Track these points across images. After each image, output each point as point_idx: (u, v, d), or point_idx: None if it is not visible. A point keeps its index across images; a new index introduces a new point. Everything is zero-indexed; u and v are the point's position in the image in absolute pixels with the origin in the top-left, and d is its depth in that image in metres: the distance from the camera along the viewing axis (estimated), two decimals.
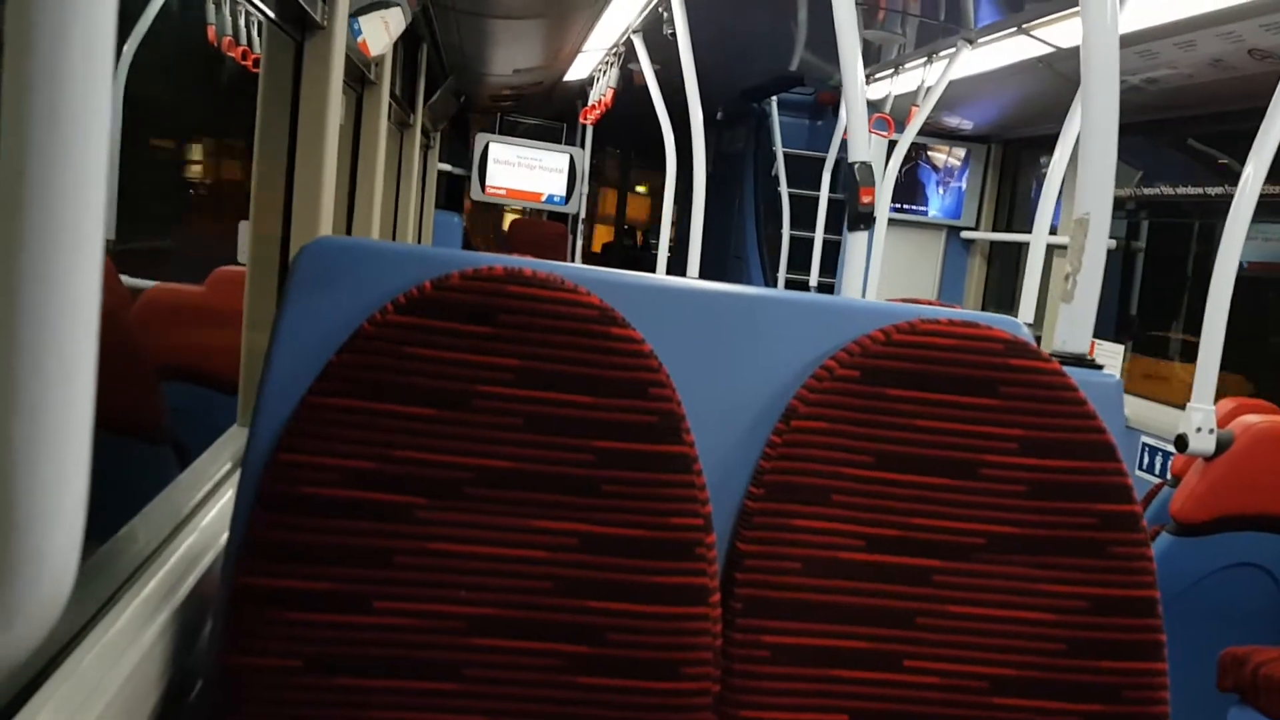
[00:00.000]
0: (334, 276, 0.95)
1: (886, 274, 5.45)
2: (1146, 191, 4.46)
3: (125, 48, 3.58)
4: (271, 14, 1.39)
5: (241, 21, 3.42)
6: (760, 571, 0.96)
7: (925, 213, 5.92)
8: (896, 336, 1.00)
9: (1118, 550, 0.99)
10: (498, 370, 0.92)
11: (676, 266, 4.70)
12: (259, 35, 3.26)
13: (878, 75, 5.20)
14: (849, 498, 0.98)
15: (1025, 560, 0.99)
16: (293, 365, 0.92)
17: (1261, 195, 2.32)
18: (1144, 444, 3.56)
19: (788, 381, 1.02)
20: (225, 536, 0.98)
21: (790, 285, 6.52)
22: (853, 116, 2.20)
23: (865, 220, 2.12)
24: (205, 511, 1.21)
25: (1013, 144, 5.80)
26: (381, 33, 2.24)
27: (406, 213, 4.30)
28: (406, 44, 3.57)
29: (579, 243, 8.08)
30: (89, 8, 0.40)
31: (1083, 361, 1.23)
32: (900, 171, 4.77)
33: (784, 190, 6.60)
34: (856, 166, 2.14)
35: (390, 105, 2.81)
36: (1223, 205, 2.40)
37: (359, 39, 2.15)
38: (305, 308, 0.94)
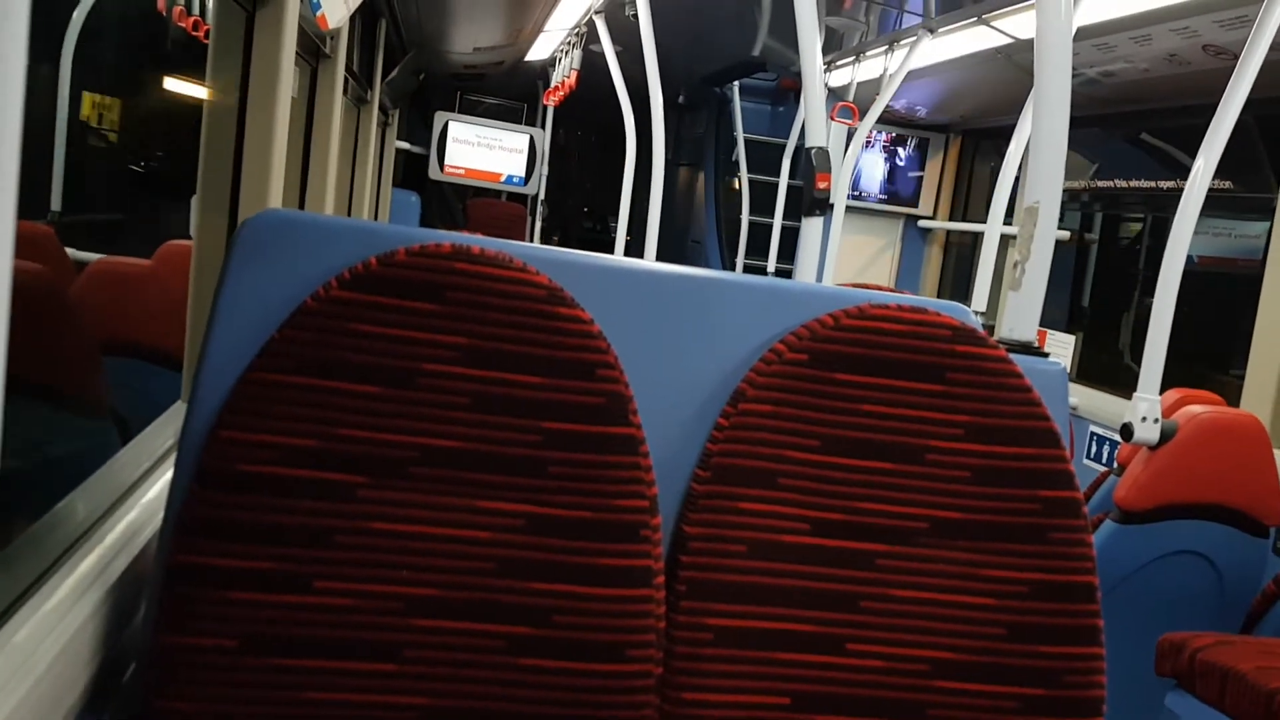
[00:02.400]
0: (278, 250, 0.93)
1: (845, 261, 5.49)
2: (1100, 184, 4.52)
3: (74, 15, 3.50)
4: None
5: None
6: (705, 554, 0.96)
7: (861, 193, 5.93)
8: (845, 321, 1.00)
9: (1058, 536, 1.01)
10: (444, 348, 0.91)
11: (635, 250, 4.70)
12: (211, 5, 3.19)
13: (839, 62, 5.21)
14: (795, 481, 0.98)
15: (968, 545, 1.00)
16: (233, 340, 0.90)
17: (1211, 190, 2.35)
18: (1092, 433, 3.62)
19: (737, 364, 1.02)
20: (162, 514, 0.96)
21: (748, 270, 6.54)
22: (810, 101, 2.21)
23: (821, 206, 2.13)
24: (145, 489, 1.19)
25: (971, 134, 5.85)
26: (339, 4, 2.20)
27: (363, 190, 4.24)
28: (364, 19, 3.51)
29: (538, 224, 8.03)
30: None
31: (1029, 349, 1.24)
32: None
33: (744, 176, 6.60)
34: (814, 152, 2.14)
35: (347, 80, 2.76)
36: (1174, 199, 2.43)
37: (318, 13, 2.11)
38: (247, 281, 0.92)
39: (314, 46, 2.17)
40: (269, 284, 0.92)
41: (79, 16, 3.61)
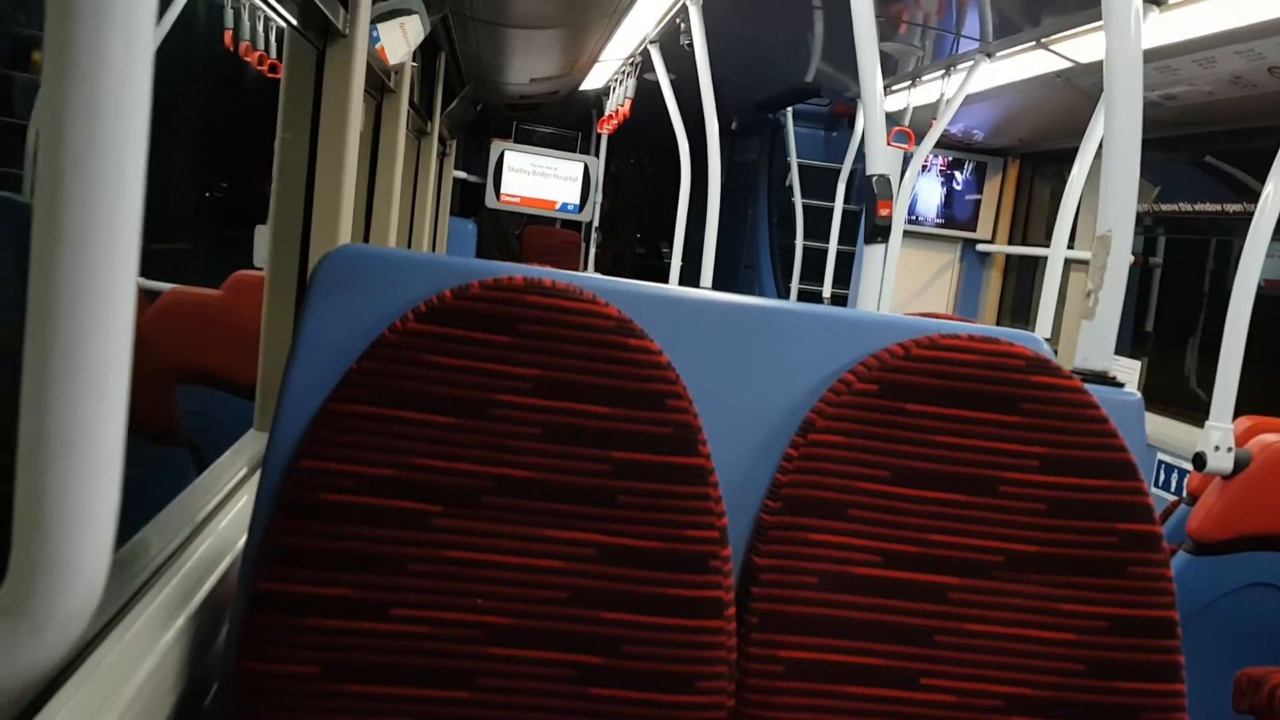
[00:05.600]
0: (355, 284, 0.95)
1: (901, 285, 5.45)
2: (1164, 207, 4.44)
3: None
4: (294, 21, 1.40)
5: (260, 26, 3.44)
6: (776, 586, 0.96)
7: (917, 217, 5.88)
8: (916, 351, 1.00)
9: (1138, 570, 0.99)
10: (516, 380, 0.92)
11: (690, 276, 4.70)
12: (276, 40, 3.28)
13: (895, 87, 5.19)
14: (866, 513, 0.97)
15: (1044, 579, 0.98)
16: (313, 372, 0.92)
17: None
18: (1160, 461, 3.54)
19: (805, 394, 1.01)
20: (242, 541, 0.98)
21: (803, 295, 6.51)
22: (871, 129, 2.20)
23: (883, 233, 2.12)
24: (222, 516, 1.21)
25: (1030, 157, 5.78)
26: (400, 41, 2.25)
27: (423, 219, 4.31)
28: (425, 52, 3.58)
29: (592, 250, 8.09)
30: (128, 14, 0.40)
31: (1104, 379, 1.22)
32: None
33: (798, 201, 6.59)
34: (874, 179, 2.14)
35: (409, 113, 2.82)
36: (1240, 222, 2.39)
37: (377, 45, 2.16)
38: (326, 315, 0.94)
39: (379, 81, 2.22)
40: (347, 317, 0.94)
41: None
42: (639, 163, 9.98)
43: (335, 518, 0.89)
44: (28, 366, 0.40)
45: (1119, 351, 4.29)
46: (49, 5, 0.40)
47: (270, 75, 3.40)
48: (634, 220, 10.34)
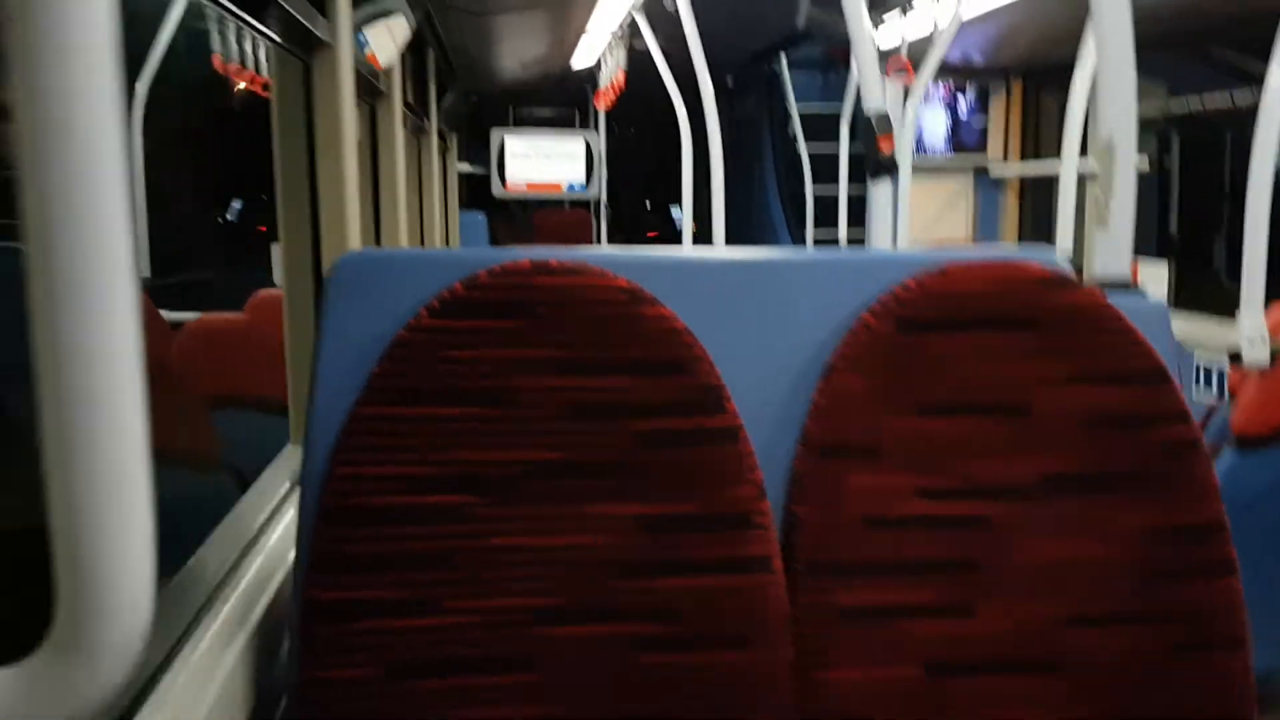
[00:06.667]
0: (366, 288, 0.96)
1: (917, 219, 5.39)
2: (1173, 107, 4.36)
3: (137, 86, 3.64)
4: (276, 37, 1.41)
5: (248, 46, 3.45)
6: (819, 533, 0.97)
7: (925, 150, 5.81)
8: (929, 284, 0.99)
9: (1180, 474, 0.98)
10: (535, 362, 0.93)
11: (702, 237, 4.68)
12: (267, 59, 3.28)
13: (885, 18, 5.11)
14: (899, 450, 0.98)
15: (1086, 494, 0.98)
16: (338, 379, 0.94)
17: None
18: (1199, 364, 3.50)
19: (823, 340, 1.02)
20: (292, 554, 1.00)
21: (818, 243, 6.47)
22: (863, 66, 2.18)
23: (887, 168, 2.10)
24: (270, 532, 1.24)
25: (1032, 74, 5.69)
26: (388, 43, 2.25)
27: (432, 216, 4.32)
28: (414, 52, 3.58)
29: (603, 226, 8.07)
30: (90, 64, 0.41)
31: (1125, 287, 1.21)
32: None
33: (803, 148, 6.53)
34: (873, 116, 2.12)
35: (404, 113, 2.82)
36: (1252, 112, 2.34)
37: (366, 51, 2.16)
38: (343, 322, 0.96)
39: (370, 86, 2.22)
40: (364, 322, 0.95)
41: (142, 90, 3.74)
42: (640, 131, 9.93)
43: (377, 520, 0.90)
44: (44, 413, 0.41)
45: (1145, 255, 4.23)
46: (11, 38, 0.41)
47: (264, 94, 3.42)
48: (640, 189, 10.30)
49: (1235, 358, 2.24)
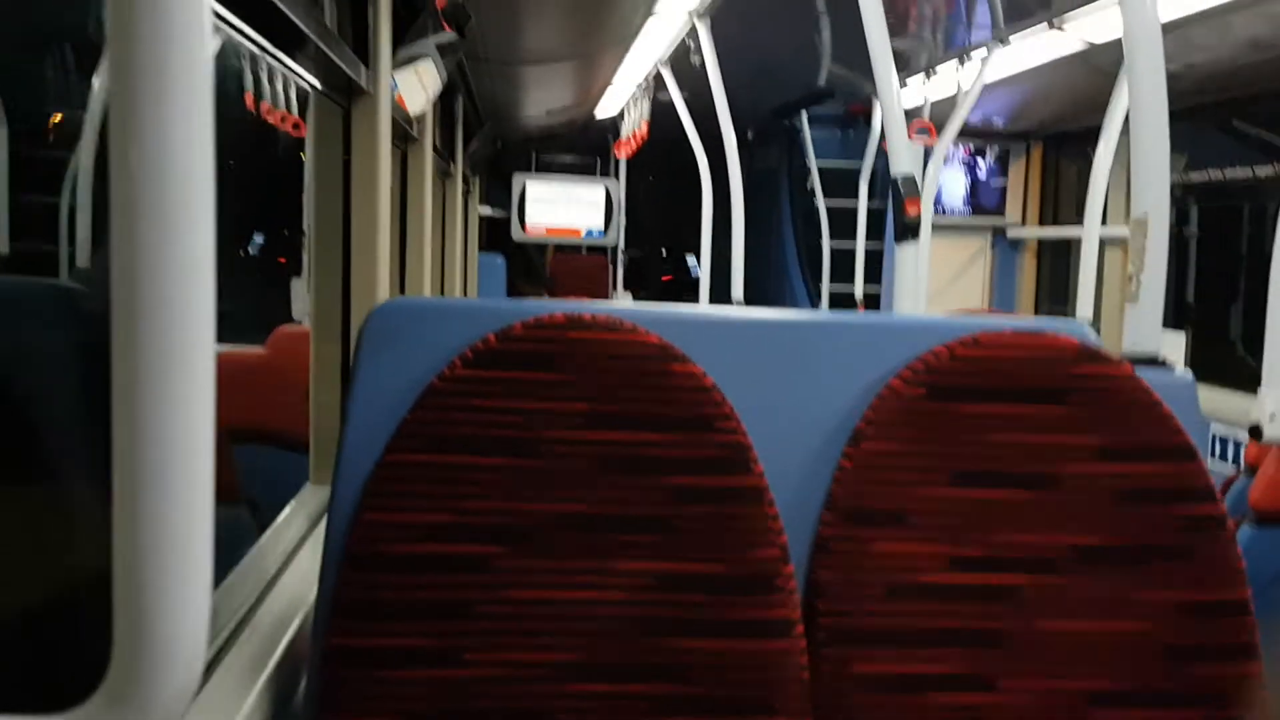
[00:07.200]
0: (402, 336, 0.97)
1: (934, 278, 5.41)
2: (1194, 177, 4.38)
3: None
4: (319, 84, 1.43)
5: (279, 87, 3.51)
6: (842, 599, 0.96)
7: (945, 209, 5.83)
8: (960, 351, 1.00)
9: (1204, 552, 0.98)
10: (565, 415, 0.93)
11: (719, 290, 4.70)
12: (298, 99, 3.33)
13: (909, 80, 5.17)
14: (926, 518, 0.97)
15: (1111, 569, 0.98)
16: (369, 425, 0.94)
17: None
18: (1215, 434, 3.48)
19: (852, 404, 1.02)
20: (312, 596, 1.00)
21: (834, 297, 6.49)
22: (891, 129, 2.20)
23: (913, 231, 2.12)
24: (289, 572, 1.24)
25: (1052, 139, 5.73)
26: (419, 90, 2.29)
27: (453, 259, 4.36)
28: (443, 96, 3.64)
29: (619, 273, 8.12)
30: (188, 112, 0.42)
31: (1154, 362, 1.22)
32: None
33: (821, 203, 6.58)
34: (900, 179, 2.14)
35: (432, 157, 2.86)
36: (1274, 184, 2.35)
37: (395, 92, 2.19)
38: (376, 370, 0.96)
39: (403, 131, 2.26)
40: (396, 370, 0.96)
41: None
42: (658, 180, 10.02)
43: (401, 568, 0.90)
44: (117, 461, 0.42)
45: (1163, 325, 4.23)
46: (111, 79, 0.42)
47: (294, 133, 3.46)
48: (658, 237, 10.37)
49: (1255, 431, 2.23)
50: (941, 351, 1.00)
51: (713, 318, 1.05)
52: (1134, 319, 1.24)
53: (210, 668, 0.94)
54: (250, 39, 1.12)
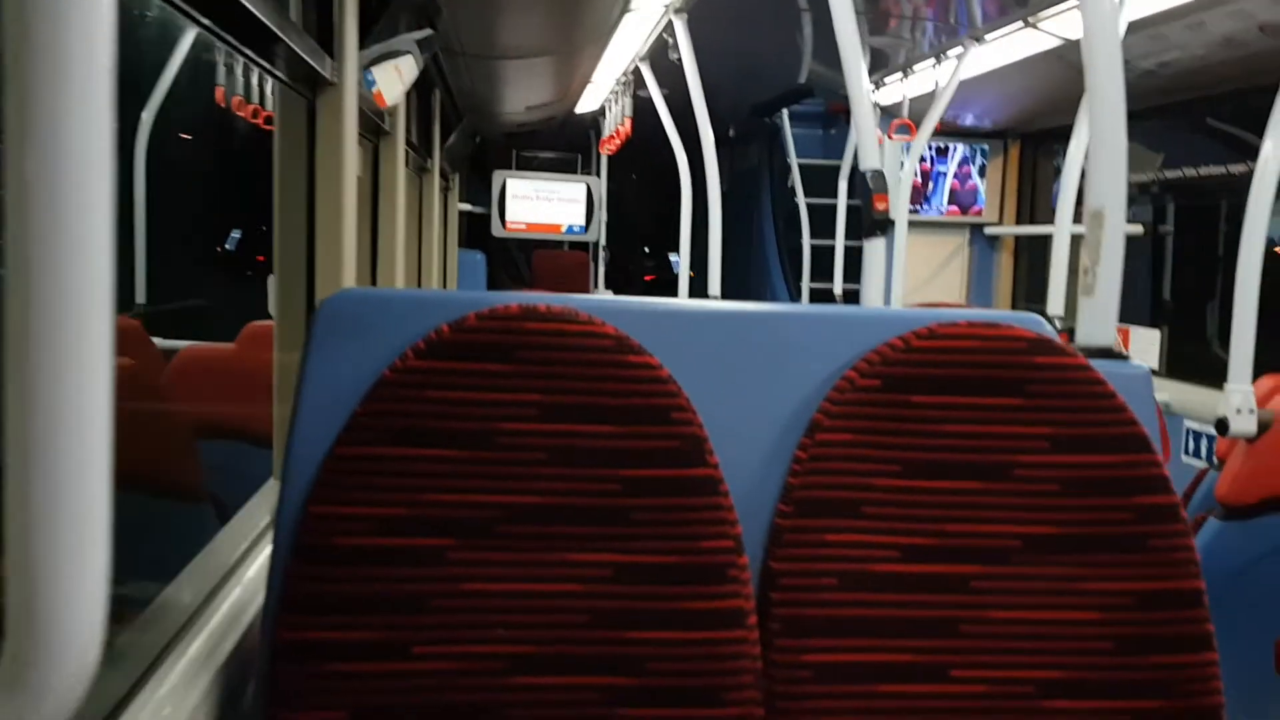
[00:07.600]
0: (354, 327, 0.96)
1: (913, 276, 5.43)
2: (1169, 175, 4.41)
3: (143, 115, 3.67)
4: (282, 75, 1.42)
5: (254, 80, 3.48)
6: (796, 590, 0.96)
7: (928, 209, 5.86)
8: (915, 343, 1.00)
9: (1158, 543, 0.98)
10: (519, 407, 0.93)
11: (699, 284, 4.71)
12: (271, 92, 3.31)
13: (888, 79, 5.19)
14: (880, 508, 0.97)
15: (1064, 559, 0.98)
16: (319, 418, 0.94)
17: None
18: (1188, 429, 3.50)
19: (809, 396, 1.02)
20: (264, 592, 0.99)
21: (815, 294, 6.51)
22: (860, 125, 2.21)
23: (881, 227, 2.12)
24: (246, 567, 1.23)
25: (1030, 137, 5.76)
26: (395, 82, 2.27)
27: (430, 255, 4.34)
28: (419, 92, 3.62)
29: (601, 269, 8.12)
30: (86, 97, 0.42)
31: (1109, 354, 1.22)
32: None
33: (801, 201, 6.59)
34: (869, 174, 2.14)
35: (407, 152, 2.85)
36: (1247, 182, 2.37)
37: (373, 89, 2.18)
38: (328, 360, 0.96)
39: (374, 125, 2.24)
40: (349, 361, 0.95)
41: (148, 118, 3.78)
42: (641, 178, 10.02)
43: (351, 561, 0.89)
44: (10, 449, 0.41)
45: (1139, 322, 4.25)
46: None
47: (265, 127, 3.44)
48: (639, 235, 10.37)
49: (1221, 426, 2.25)
50: (897, 343, 1.00)
51: (671, 309, 1.04)
52: (1089, 311, 1.24)
53: (158, 662, 0.93)
54: (208, 28, 1.11)
